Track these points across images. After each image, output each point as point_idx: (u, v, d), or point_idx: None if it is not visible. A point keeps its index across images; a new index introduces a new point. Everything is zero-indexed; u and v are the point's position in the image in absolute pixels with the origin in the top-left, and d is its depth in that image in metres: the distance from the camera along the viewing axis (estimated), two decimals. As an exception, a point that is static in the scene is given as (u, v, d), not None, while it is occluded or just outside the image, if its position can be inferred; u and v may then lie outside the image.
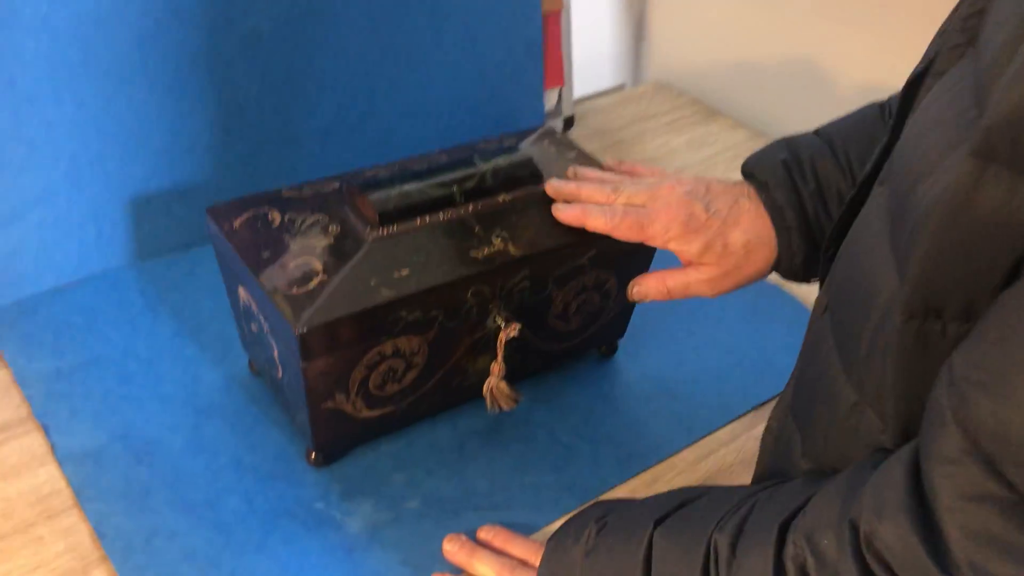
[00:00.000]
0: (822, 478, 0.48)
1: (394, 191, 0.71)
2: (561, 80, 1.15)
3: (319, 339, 0.64)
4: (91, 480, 0.71)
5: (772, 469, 0.58)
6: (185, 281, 0.90)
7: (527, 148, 0.82)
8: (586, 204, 0.69)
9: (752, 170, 0.69)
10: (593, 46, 1.32)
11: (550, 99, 1.15)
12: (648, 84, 1.35)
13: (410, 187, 0.71)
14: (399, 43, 0.99)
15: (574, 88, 1.20)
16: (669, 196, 0.67)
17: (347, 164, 1.00)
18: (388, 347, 0.69)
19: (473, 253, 0.70)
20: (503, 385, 0.75)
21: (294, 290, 0.66)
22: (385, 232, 0.69)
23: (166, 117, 0.89)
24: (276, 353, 0.70)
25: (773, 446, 0.58)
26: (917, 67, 0.49)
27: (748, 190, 0.68)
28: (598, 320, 0.81)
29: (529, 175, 0.75)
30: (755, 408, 0.83)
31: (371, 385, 0.70)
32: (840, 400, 0.47)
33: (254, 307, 0.71)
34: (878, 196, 0.47)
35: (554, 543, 0.59)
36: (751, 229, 0.66)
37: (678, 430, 0.80)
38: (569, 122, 1.19)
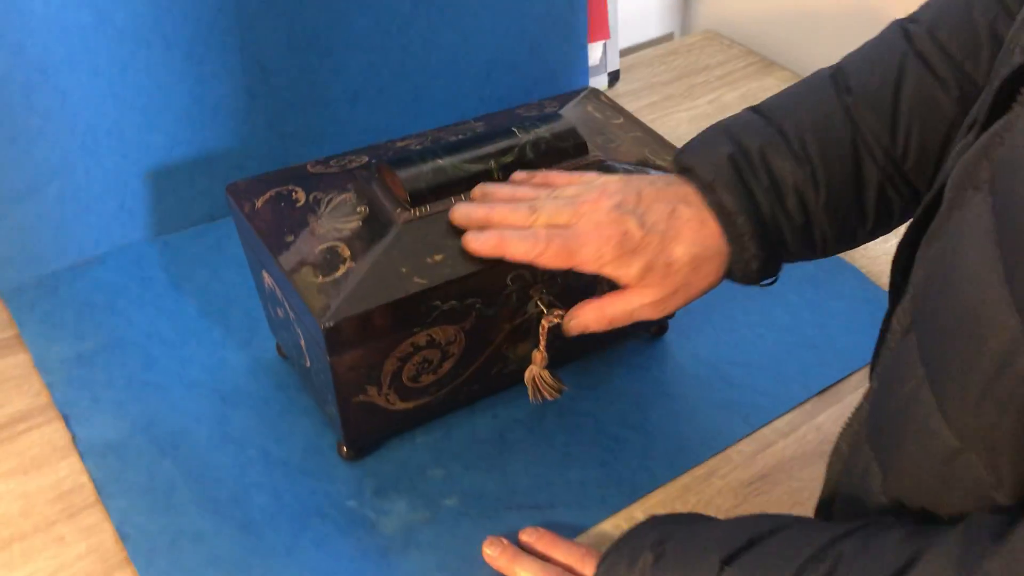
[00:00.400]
0: (917, 529, 0.42)
1: (426, 167, 0.65)
2: (607, 33, 1.08)
3: (347, 332, 0.60)
4: (114, 474, 0.68)
5: (843, 497, 0.52)
6: (210, 256, 0.86)
7: (569, 114, 0.76)
8: (503, 230, 0.60)
9: (691, 165, 0.60)
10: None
11: (594, 53, 1.08)
12: (698, 34, 1.26)
13: (444, 163, 0.66)
14: (433, -3, 0.93)
15: (619, 39, 1.12)
16: (595, 213, 0.58)
17: (378, 128, 0.95)
18: (422, 338, 0.64)
19: (513, 235, 0.65)
20: (546, 374, 0.70)
21: (320, 278, 0.61)
22: (417, 213, 0.64)
23: (186, 83, 0.83)
24: (303, 342, 0.66)
25: (844, 474, 0.52)
26: (1014, 58, 0.42)
27: (686, 191, 0.59)
28: (647, 300, 0.76)
29: (572, 147, 0.69)
30: (816, 395, 0.77)
31: (404, 377, 0.66)
32: (935, 442, 0.41)
33: (278, 293, 0.66)
34: (973, 207, 0.40)
35: (605, 568, 0.55)
36: (696, 241, 0.57)
37: (734, 419, 0.75)
38: (614, 77, 1.12)
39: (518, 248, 0.58)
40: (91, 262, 0.84)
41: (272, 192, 0.67)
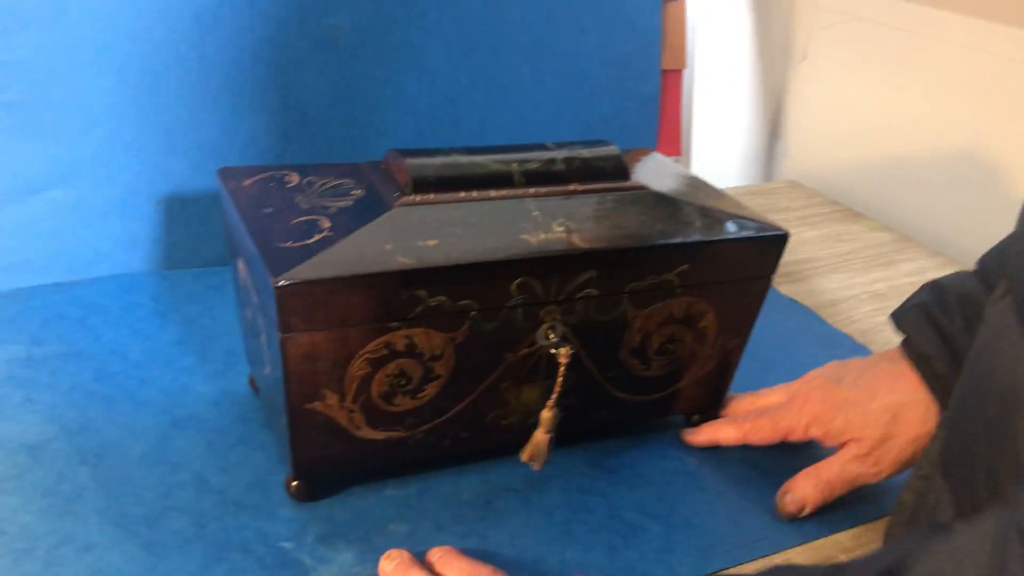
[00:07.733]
0: None
1: (438, 159, 0.57)
2: (678, 149, 1.01)
3: (304, 301, 0.49)
4: (17, 471, 0.57)
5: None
6: (207, 295, 0.77)
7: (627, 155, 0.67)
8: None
9: (896, 323, 0.63)
10: (723, 144, 1.19)
11: (663, 169, 1.01)
12: (781, 181, 1.19)
13: (460, 159, 0.58)
14: (492, 72, 0.88)
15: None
16: (804, 385, 0.63)
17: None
18: (400, 338, 0.53)
19: (525, 236, 0.55)
20: (545, 439, 0.57)
21: (289, 243, 0.52)
22: (417, 199, 0.55)
23: (220, 111, 0.79)
24: (264, 338, 0.55)
25: (914, 506, 0.40)
26: None
27: (892, 351, 0.62)
28: (688, 370, 0.63)
29: (612, 169, 0.60)
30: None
31: (374, 391, 0.54)
32: None
33: (246, 278, 0.57)
34: None
35: None
36: (892, 390, 0.60)
37: (783, 524, 0.59)
38: (683, 201, 1.04)
39: (727, 431, 0.64)
40: (78, 284, 0.76)
41: (264, 175, 0.60)
